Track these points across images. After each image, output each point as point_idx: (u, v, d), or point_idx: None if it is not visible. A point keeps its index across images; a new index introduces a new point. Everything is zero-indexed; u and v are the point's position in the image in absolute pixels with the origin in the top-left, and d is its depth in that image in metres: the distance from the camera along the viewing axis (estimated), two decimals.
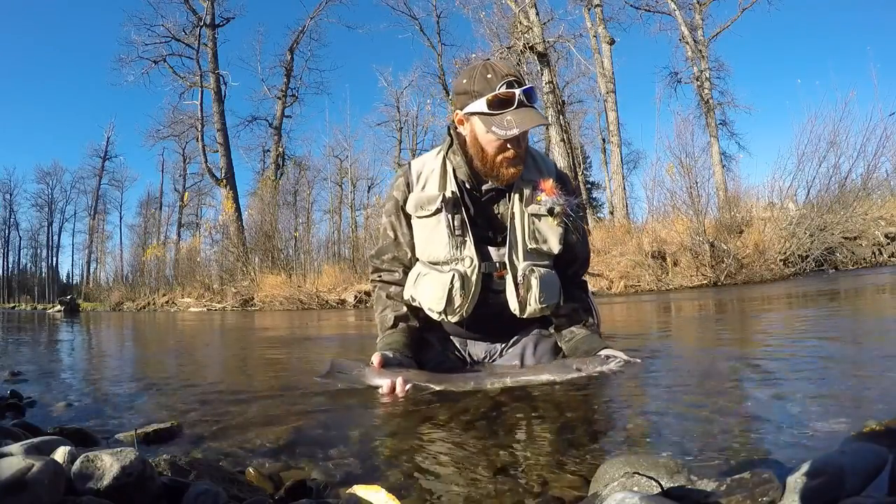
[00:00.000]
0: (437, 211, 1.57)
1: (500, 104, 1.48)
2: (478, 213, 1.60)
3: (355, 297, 10.69)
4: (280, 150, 21.14)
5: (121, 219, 34.13)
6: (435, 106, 20.68)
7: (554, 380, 1.44)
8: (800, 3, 36.30)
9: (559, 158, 11.72)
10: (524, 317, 1.59)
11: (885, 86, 13.52)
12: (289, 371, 2.24)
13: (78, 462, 0.69)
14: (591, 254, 1.89)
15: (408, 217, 1.65)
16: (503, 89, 1.47)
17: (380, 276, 1.76)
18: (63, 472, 0.66)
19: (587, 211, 15.77)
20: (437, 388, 1.42)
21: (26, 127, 49.72)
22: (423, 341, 1.69)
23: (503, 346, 1.71)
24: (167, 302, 15.97)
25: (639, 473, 0.67)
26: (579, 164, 18.22)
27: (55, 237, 36.91)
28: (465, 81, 1.55)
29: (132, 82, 19.21)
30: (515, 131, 1.46)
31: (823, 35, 35.93)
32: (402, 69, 28.48)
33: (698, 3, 16.52)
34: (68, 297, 18.24)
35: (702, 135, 13.72)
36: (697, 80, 16.50)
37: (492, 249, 1.60)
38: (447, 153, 1.63)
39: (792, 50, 38.76)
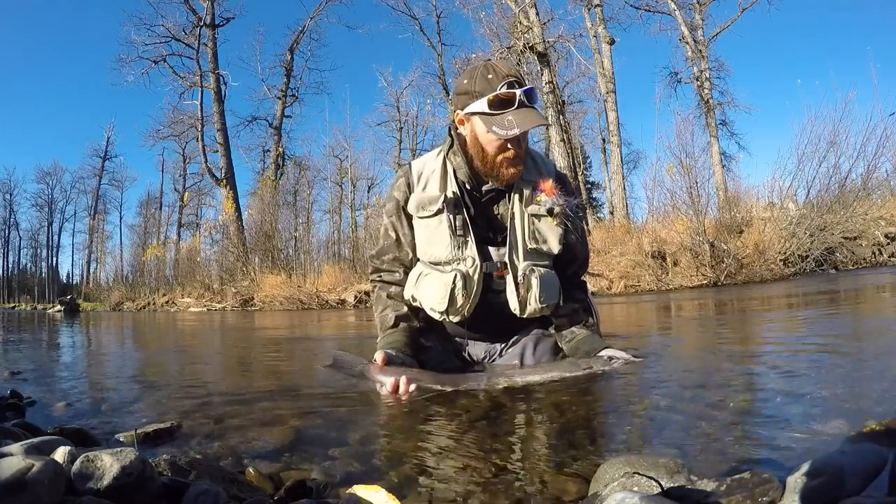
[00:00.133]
0: (439, 211, 1.57)
1: (500, 104, 1.48)
2: (478, 213, 1.61)
3: (355, 297, 10.67)
4: (280, 150, 21.12)
5: (121, 219, 34.11)
6: (435, 106, 20.68)
7: (564, 376, 1.44)
8: (800, 3, 36.27)
9: (559, 158, 11.72)
10: (524, 316, 1.59)
11: (885, 86, 13.48)
12: (289, 371, 2.25)
13: (78, 462, 0.69)
14: (591, 254, 1.90)
15: (409, 217, 1.65)
16: (504, 89, 1.48)
17: (380, 277, 1.76)
18: (63, 472, 0.66)
19: (587, 211, 15.76)
20: (446, 390, 1.39)
21: (26, 127, 49.65)
22: (424, 341, 1.69)
23: (503, 345, 1.72)
24: (167, 302, 15.95)
25: (639, 473, 0.68)
26: (579, 164, 18.20)
27: (55, 237, 36.89)
28: (465, 82, 1.55)
29: (132, 82, 19.18)
30: (516, 131, 1.46)
31: (823, 35, 35.91)
32: (402, 69, 28.50)
33: (698, 3, 16.50)
34: (68, 297, 18.26)
35: (702, 135, 13.73)
36: (697, 80, 16.48)
37: (492, 249, 1.60)
38: (447, 154, 1.64)
39: (792, 50, 38.75)
